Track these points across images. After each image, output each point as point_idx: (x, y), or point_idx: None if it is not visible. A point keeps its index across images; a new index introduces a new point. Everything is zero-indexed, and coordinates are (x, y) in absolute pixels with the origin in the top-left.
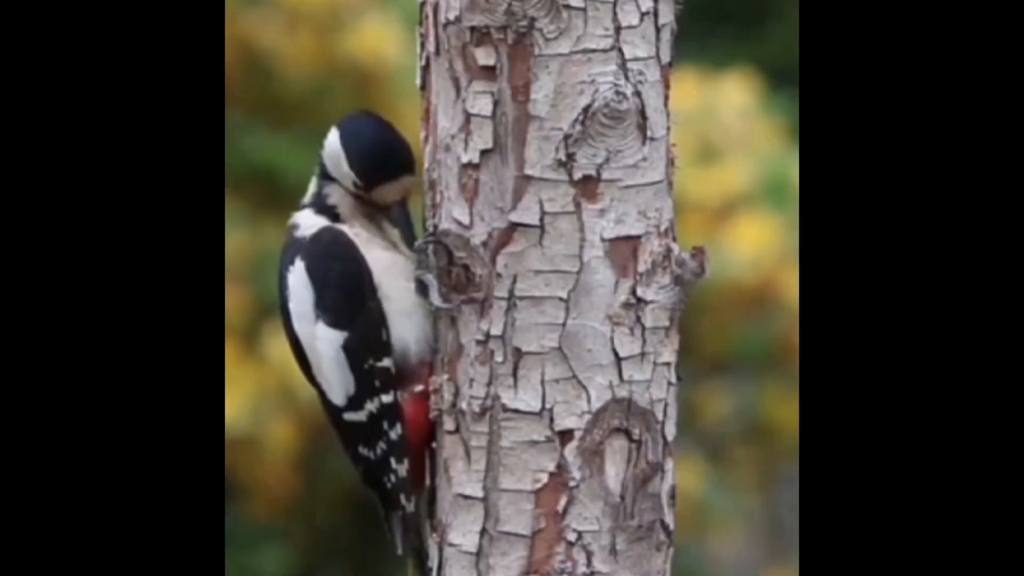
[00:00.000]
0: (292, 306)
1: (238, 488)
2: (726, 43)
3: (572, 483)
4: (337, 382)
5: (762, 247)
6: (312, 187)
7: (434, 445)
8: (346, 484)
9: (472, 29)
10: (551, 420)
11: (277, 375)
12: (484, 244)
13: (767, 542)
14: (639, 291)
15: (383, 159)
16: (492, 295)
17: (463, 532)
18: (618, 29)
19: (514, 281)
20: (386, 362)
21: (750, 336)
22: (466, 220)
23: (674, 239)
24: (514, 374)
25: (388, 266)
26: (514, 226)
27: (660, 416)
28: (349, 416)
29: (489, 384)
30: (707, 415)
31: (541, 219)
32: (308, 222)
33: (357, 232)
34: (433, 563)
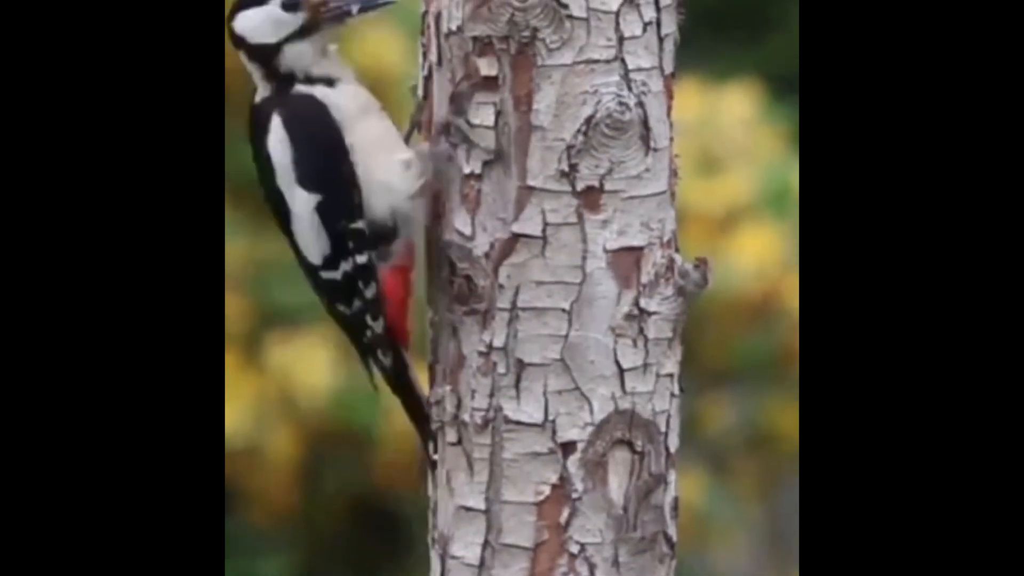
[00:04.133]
0: (275, 161)
1: (239, 496)
2: (729, 53)
3: (575, 495)
4: (312, 243)
5: (765, 257)
6: (263, 86)
7: (435, 455)
8: (347, 492)
9: (474, 39)
10: (554, 432)
11: (278, 384)
12: (486, 255)
13: (770, 552)
14: (642, 302)
15: None
16: (494, 306)
17: (465, 544)
18: (621, 39)
19: (516, 292)
20: (359, 224)
21: (753, 346)
22: (468, 231)
23: (677, 250)
24: (516, 385)
25: (377, 138)
26: (516, 237)
27: (663, 428)
28: (325, 275)
29: (491, 395)
30: (710, 426)
31: (544, 230)
32: (306, 89)
33: (355, 93)
34: (435, 575)
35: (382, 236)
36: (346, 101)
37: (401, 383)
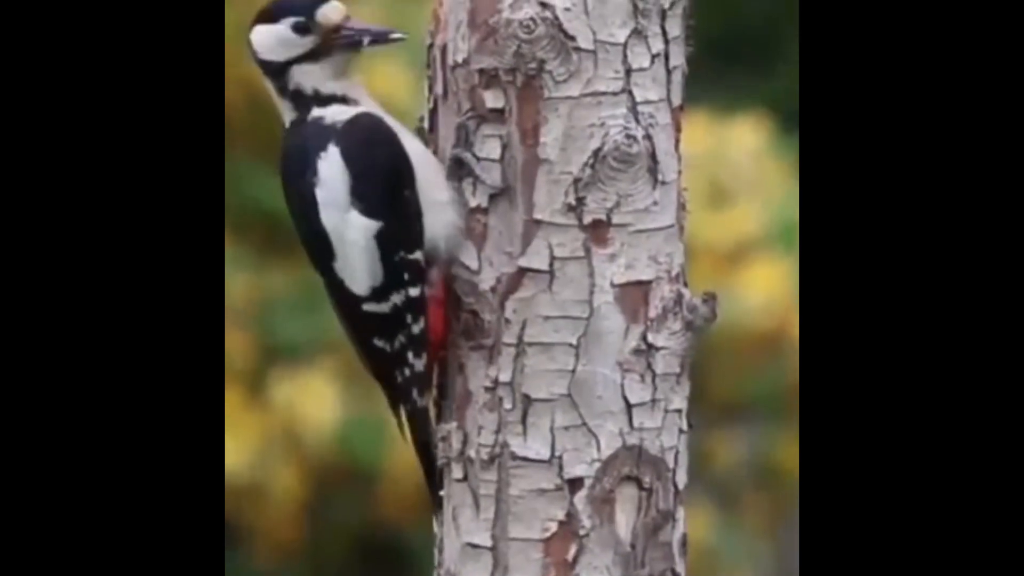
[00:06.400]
0: (321, 194)
1: (243, 534)
2: (737, 85)
3: (582, 532)
4: (364, 272)
5: (774, 291)
6: (287, 108)
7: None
8: (351, 530)
9: (481, 71)
10: (560, 468)
11: (282, 421)
12: (493, 289)
13: None
14: (650, 337)
15: None
16: (501, 341)
17: None
18: (628, 71)
19: (523, 327)
20: (417, 255)
21: (762, 381)
22: (474, 265)
23: (685, 284)
24: (523, 421)
25: (422, 156)
26: (523, 271)
27: (671, 464)
28: (369, 307)
29: (498, 431)
30: (718, 461)
31: (550, 264)
32: (335, 111)
33: (381, 115)
34: None
35: (428, 264)
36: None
37: (417, 423)
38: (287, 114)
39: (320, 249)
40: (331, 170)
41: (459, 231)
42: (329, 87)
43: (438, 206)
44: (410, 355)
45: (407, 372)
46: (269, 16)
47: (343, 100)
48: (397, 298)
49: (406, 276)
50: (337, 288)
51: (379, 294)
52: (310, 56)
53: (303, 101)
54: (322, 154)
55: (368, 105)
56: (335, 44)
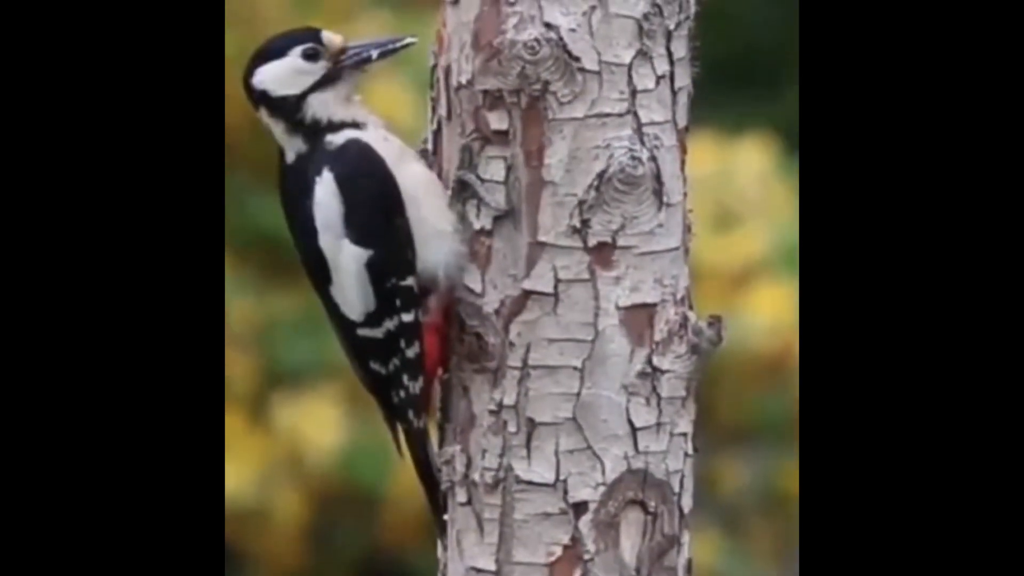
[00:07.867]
0: (319, 218)
1: (245, 559)
2: (744, 106)
3: (587, 556)
4: (357, 299)
5: (780, 314)
6: (289, 142)
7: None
8: (354, 554)
9: (485, 93)
10: (565, 492)
11: (285, 445)
12: (497, 312)
13: None
14: (655, 360)
15: (297, 27)
16: (505, 364)
17: None
18: (634, 93)
19: (528, 350)
20: (409, 281)
21: (768, 405)
22: (478, 288)
23: (691, 307)
24: (527, 445)
25: (424, 183)
26: (528, 294)
27: (676, 488)
28: (364, 332)
29: (502, 455)
30: (724, 485)
31: (555, 287)
32: (342, 136)
33: (386, 137)
34: None
35: (425, 292)
36: (383, 146)
37: (416, 442)
38: (294, 149)
39: (318, 272)
40: (326, 195)
41: (462, 260)
42: (342, 113)
43: (439, 235)
44: (405, 378)
45: (403, 394)
46: (273, 53)
47: (354, 125)
48: (390, 324)
49: (398, 302)
50: (333, 310)
51: (372, 320)
52: (324, 82)
53: (316, 132)
54: (318, 179)
55: (375, 127)
56: (344, 65)
